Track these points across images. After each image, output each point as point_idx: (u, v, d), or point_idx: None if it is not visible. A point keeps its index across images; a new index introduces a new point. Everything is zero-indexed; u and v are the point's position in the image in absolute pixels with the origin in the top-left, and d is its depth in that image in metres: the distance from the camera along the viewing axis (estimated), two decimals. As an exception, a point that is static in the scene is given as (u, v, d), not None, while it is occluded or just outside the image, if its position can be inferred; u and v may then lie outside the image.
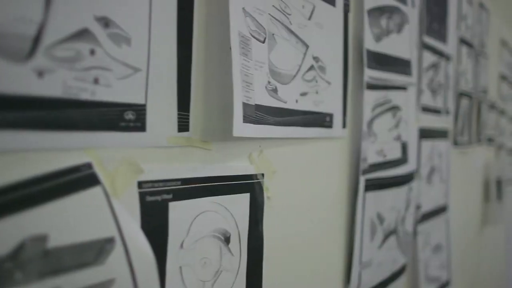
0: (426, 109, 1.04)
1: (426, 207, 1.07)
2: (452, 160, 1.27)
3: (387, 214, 0.81)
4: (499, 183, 1.67)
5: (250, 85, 0.49)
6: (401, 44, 0.85)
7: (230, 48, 0.45)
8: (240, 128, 0.46)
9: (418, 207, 1.02)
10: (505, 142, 1.97)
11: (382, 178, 0.79)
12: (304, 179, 0.63)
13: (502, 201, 1.68)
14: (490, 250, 1.94)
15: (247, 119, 0.48)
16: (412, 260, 1.01)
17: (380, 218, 0.80)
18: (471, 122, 1.41)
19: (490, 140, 1.70)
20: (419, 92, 0.99)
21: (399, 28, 0.84)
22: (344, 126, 0.70)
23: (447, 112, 1.19)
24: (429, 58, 1.04)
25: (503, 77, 1.89)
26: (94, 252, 0.34)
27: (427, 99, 1.04)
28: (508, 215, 2.18)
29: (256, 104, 0.50)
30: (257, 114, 0.51)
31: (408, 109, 0.90)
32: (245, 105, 0.47)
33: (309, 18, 0.61)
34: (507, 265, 2.21)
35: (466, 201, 1.51)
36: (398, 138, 0.84)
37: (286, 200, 0.60)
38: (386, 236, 0.82)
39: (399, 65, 0.84)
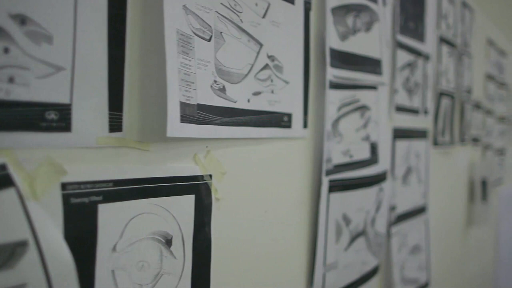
0: (401, 109, 1.03)
1: (402, 208, 1.06)
2: (432, 160, 1.26)
3: (354, 215, 0.80)
4: (484, 184, 1.66)
5: (191, 84, 0.48)
6: (371, 43, 0.84)
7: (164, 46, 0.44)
8: (176, 128, 0.45)
9: (392, 208, 1.01)
10: (493, 142, 1.96)
11: (348, 179, 0.78)
12: (261, 180, 0.62)
13: (487, 202, 1.67)
14: (478, 250, 1.93)
15: (186, 119, 0.47)
16: (385, 261, 1.00)
17: (346, 220, 0.78)
18: (453, 122, 1.40)
19: (475, 140, 1.69)
20: (393, 91, 0.98)
21: (368, 27, 0.83)
22: (305, 126, 0.69)
23: (426, 112, 1.18)
24: (404, 57, 1.03)
25: (489, 77, 1.88)
26: (3, 255, 0.33)
27: (402, 99, 1.03)
28: (498, 215, 2.17)
29: (198, 104, 0.49)
30: (200, 114, 0.49)
31: (379, 109, 0.88)
32: (184, 105, 0.46)
33: (264, 16, 0.60)
34: (496, 265, 2.19)
35: (449, 202, 1.50)
36: (366, 138, 0.83)
37: (240, 202, 0.58)
38: (354, 238, 0.81)
39: (368, 64, 0.83)
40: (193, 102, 0.48)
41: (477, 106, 1.69)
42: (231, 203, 0.57)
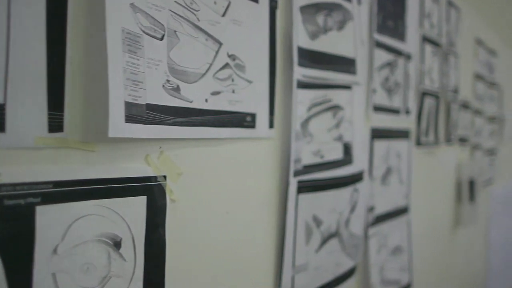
0: (379, 109, 1.02)
1: (381, 208, 1.05)
2: (415, 160, 1.25)
3: (326, 216, 0.79)
4: (472, 184, 1.65)
5: (139, 83, 0.47)
6: (344, 42, 0.83)
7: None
8: (120, 128, 0.44)
9: (370, 208, 1.00)
10: (482, 143, 1.95)
11: (318, 180, 0.77)
12: (223, 180, 0.61)
13: (475, 202, 1.66)
14: (468, 251, 1.92)
15: (133, 119, 0.46)
16: (363, 263, 0.99)
17: (317, 221, 0.78)
18: (438, 122, 1.39)
19: (463, 140, 1.67)
20: (371, 91, 0.97)
21: (341, 26, 0.82)
22: (271, 126, 0.68)
23: (408, 112, 1.17)
24: (383, 56, 1.02)
25: (478, 77, 1.86)
26: None
27: (380, 98, 1.02)
28: (489, 215, 2.16)
29: (148, 104, 0.48)
30: (150, 114, 0.49)
31: (354, 108, 0.87)
32: (129, 104, 0.46)
33: (223, 15, 0.59)
34: (487, 265, 2.18)
35: (436, 202, 1.49)
36: (339, 138, 0.82)
37: (199, 203, 0.58)
38: (326, 239, 0.80)
39: (341, 63, 0.82)
40: (142, 101, 0.47)
41: (465, 106, 1.68)
42: (189, 204, 0.56)
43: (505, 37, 2.45)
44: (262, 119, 0.66)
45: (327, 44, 0.79)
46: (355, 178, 0.88)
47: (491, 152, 2.09)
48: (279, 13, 0.69)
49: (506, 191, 2.38)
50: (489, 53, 2.04)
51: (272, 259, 0.71)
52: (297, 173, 0.73)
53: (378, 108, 1.01)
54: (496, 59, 2.14)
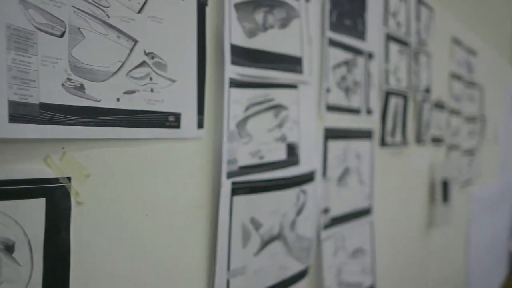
0: (335, 109, 1.00)
1: (338, 210, 1.04)
2: (379, 161, 1.23)
3: (266, 219, 0.78)
4: (445, 185, 1.63)
5: (30, 82, 0.45)
6: (288, 40, 0.81)
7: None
8: (3, 128, 0.42)
9: (325, 210, 0.99)
10: (460, 143, 1.93)
11: (257, 181, 0.75)
12: (141, 182, 0.59)
13: (449, 203, 1.64)
14: (445, 252, 1.90)
15: (21, 119, 0.44)
16: (315, 265, 0.97)
17: (256, 223, 0.76)
18: (406, 122, 1.37)
19: (437, 140, 1.66)
20: (324, 90, 0.96)
21: (284, 24, 0.80)
22: (200, 126, 0.66)
23: (369, 112, 1.15)
24: (338, 55, 1.00)
25: (455, 76, 1.85)
26: None
27: (336, 98, 1.00)
28: (468, 216, 2.14)
29: (41, 103, 0.46)
30: (46, 114, 0.47)
31: (301, 108, 0.86)
32: (15, 104, 0.44)
33: (139, 12, 0.57)
34: (468, 267, 2.16)
35: (407, 203, 1.47)
36: (282, 139, 0.81)
37: (112, 205, 0.56)
38: (267, 242, 0.79)
39: (284, 62, 0.80)
40: (33, 101, 0.46)
41: (440, 106, 1.66)
42: (101, 207, 0.54)
43: (486, 37, 2.43)
44: (188, 119, 0.64)
45: (268, 42, 0.77)
46: (302, 179, 0.86)
47: (470, 152, 2.07)
48: (209, 10, 0.67)
49: (486, 192, 2.36)
50: (469, 53, 2.02)
51: (205, 263, 0.70)
52: (231, 175, 0.71)
53: (333, 108, 0.99)
54: (476, 59, 2.12)
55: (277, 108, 0.80)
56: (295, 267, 0.88)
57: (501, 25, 3.11)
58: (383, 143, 1.25)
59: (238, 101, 0.72)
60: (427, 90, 1.53)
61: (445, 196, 1.63)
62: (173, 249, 0.64)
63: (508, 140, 2.90)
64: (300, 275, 0.90)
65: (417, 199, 1.56)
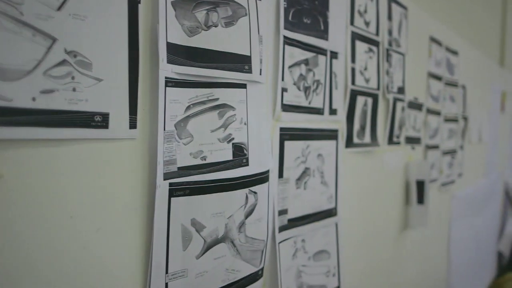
0: (293, 108, 0.99)
1: (297, 211, 1.02)
2: (349, 162, 1.22)
3: (209, 221, 0.76)
4: (421, 185, 1.62)
5: None
6: (234, 38, 0.80)
7: None
8: None
9: (282, 211, 0.97)
10: (439, 143, 1.91)
11: (198, 182, 0.74)
12: (65, 183, 0.58)
13: (425, 204, 1.62)
14: (424, 254, 1.89)
15: None
16: (271, 268, 0.96)
17: (197, 225, 0.74)
18: (376, 122, 1.35)
19: (413, 141, 1.64)
20: (279, 90, 0.94)
21: (230, 22, 0.79)
22: (132, 126, 0.65)
23: (333, 112, 1.13)
24: (296, 54, 0.99)
25: (434, 76, 1.83)
26: None
27: (294, 97, 0.99)
28: (450, 218, 2.13)
29: None
30: None
31: (251, 108, 0.84)
32: None
33: (59, 9, 0.56)
34: (449, 268, 2.15)
35: (379, 204, 1.46)
36: (228, 139, 0.79)
37: (31, 207, 0.54)
38: (211, 245, 0.77)
39: (231, 61, 0.79)
40: None
41: (416, 106, 1.65)
42: (15, 210, 0.53)
43: (470, 38, 2.42)
44: (118, 119, 0.63)
45: (211, 41, 0.75)
46: (252, 180, 0.85)
47: (450, 153, 2.05)
48: (144, 8, 0.66)
49: (470, 192, 2.34)
50: (450, 53, 2.01)
51: (141, 267, 0.68)
52: (170, 176, 0.70)
53: (290, 108, 0.98)
54: (458, 59, 2.10)
55: (222, 108, 0.78)
56: (246, 270, 0.86)
57: (486, 26, 3.10)
58: (350, 143, 1.23)
59: (177, 100, 0.71)
60: (401, 90, 1.52)
61: (421, 197, 1.61)
62: (103, 253, 0.63)
63: (493, 140, 2.88)
64: (253, 278, 0.89)
65: (391, 200, 1.54)
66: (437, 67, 1.87)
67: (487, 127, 2.70)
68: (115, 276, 0.65)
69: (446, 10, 2.09)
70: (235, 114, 0.81)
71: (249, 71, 0.83)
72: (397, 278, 1.63)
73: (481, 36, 2.92)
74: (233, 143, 0.80)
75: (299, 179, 1.02)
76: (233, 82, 0.80)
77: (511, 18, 3.53)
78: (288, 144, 0.98)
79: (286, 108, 0.97)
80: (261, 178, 0.88)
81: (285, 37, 0.95)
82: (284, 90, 0.96)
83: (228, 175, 0.79)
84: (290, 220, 1.00)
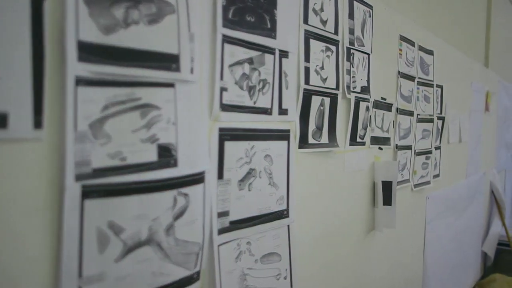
0: (234, 108, 0.97)
1: (241, 214, 1.00)
2: (303, 163, 1.20)
3: (130, 223, 0.74)
4: (388, 186, 1.59)
5: None
6: (159, 37, 0.78)
7: None
8: None
9: (222, 213, 0.95)
10: (412, 143, 1.89)
11: (115, 184, 0.72)
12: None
13: (391, 205, 1.60)
14: (397, 256, 1.86)
15: None
16: (209, 271, 0.94)
17: (115, 228, 0.72)
18: (335, 122, 1.33)
19: (380, 141, 1.62)
20: (217, 89, 0.92)
21: (154, 19, 0.77)
22: (38, 126, 0.63)
23: (283, 112, 1.11)
24: (238, 53, 0.97)
25: (406, 76, 1.81)
26: None
27: (235, 97, 0.97)
28: (425, 220, 2.11)
29: None
30: None
31: (180, 108, 0.82)
32: None
33: None
34: (424, 271, 2.12)
35: (341, 206, 1.43)
36: (151, 139, 0.77)
37: None
38: (132, 248, 0.75)
39: (154, 60, 0.77)
40: None
41: (385, 106, 1.63)
42: None
43: (449, 38, 2.40)
44: (20, 118, 0.61)
45: (131, 39, 0.73)
46: (181, 182, 0.83)
47: (424, 153, 2.03)
48: (51, 6, 0.64)
49: (451, 193, 2.32)
50: (424, 53, 1.98)
51: (50, 271, 0.66)
52: (82, 177, 0.68)
53: (232, 108, 0.96)
54: (434, 58, 2.08)
55: (145, 107, 0.76)
56: (178, 273, 0.84)
57: (471, 27, 3.07)
58: (305, 144, 1.21)
59: (92, 100, 0.69)
60: (365, 90, 1.49)
61: (388, 199, 1.59)
62: (5, 258, 0.61)
63: (476, 141, 2.86)
64: (187, 281, 0.87)
65: (356, 201, 1.52)
66: (409, 67, 1.84)
67: (468, 128, 2.67)
68: (23, 281, 0.63)
69: (423, 11, 2.07)
70: (160, 114, 0.79)
71: (177, 69, 0.81)
72: (365, 280, 1.61)
73: (465, 37, 2.90)
74: (158, 144, 0.79)
75: (242, 180, 1.00)
76: (159, 82, 0.78)
77: (495, 19, 3.51)
78: (229, 144, 0.96)
79: (227, 108, 0.95)
80: (194, 179, 0.86)
81: (224, 35, 0.93)
82: (223, 89, 0.94)
83: (152, 177, 0.78)
84: (232, 222, 0.98)
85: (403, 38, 1.78)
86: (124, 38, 0.73)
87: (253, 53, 1.01)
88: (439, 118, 2.18)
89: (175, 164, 0.82)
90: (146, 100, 0.77)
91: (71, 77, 0.66)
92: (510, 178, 3.96)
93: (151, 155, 0.78)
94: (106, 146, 0.71)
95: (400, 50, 1.77)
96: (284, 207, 1.14)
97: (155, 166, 0.78)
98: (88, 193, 0.69)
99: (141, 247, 0.77)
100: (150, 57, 0.76)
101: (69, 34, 0.65)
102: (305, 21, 1.19)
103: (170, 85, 0.81)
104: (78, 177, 0.68)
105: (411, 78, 1.87)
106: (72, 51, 0.66)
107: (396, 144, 1.76)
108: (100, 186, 0.70)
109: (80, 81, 0.67)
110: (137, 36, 0.75)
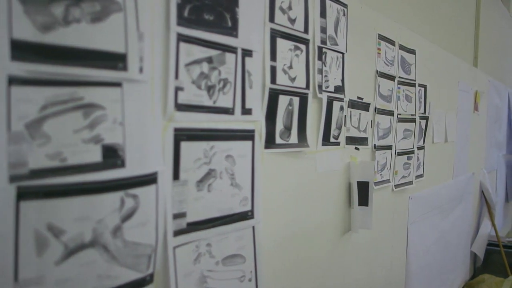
0: (192, 108, 0.95)
1: (199, 215, 0.99)
2: (269, 163, 1.18)
3: (71, 225, 0.73)
4: (364, 186, 1.58)
5: None
6: (104, 35, 0.76)
7: None
8: None
9: (179, 215, 0.94)
10: (392, 143, 1.87)
11: (54, 185, 0.70)
12: None
13: (368, 206, 1.58)
14: (380, 258, 1.85)
15: None
16: (163, 273, 0.92)
17: (55, 230, 0.71)
18: (305, 122, 1.32)
19: (357, 141, 1.60)
20: (171, 89, 0.91)
21: (98, 18, 0.76)
22: (-35, 127, 0.62)
23: (246, 112, 1.10)
24: (195, 52, 0.95)
25: (384, 75, 1.79)
26: None
27: (193, 97, 0.95)
28: (407, 221, 2.09)
29: None
30: None
31: (128, 107, 0.81)
32: None
33: None
34: (407, 273, 2.11)
35: (314, 207, 1.42)
36: (95, 140, 0.76)
37: None
38: (74, 250, 0.74)
39: (97, 59, 0.75)
40: None
41: (362, 105, 1.61)
42: None
43: (432, 38, 2.38)
44: None
45: (72, 37, 0.72)
46: (130, 183, 0.81)
47: (406, 153, 2.01)
48: (-19, 3, 0.63)
49: (428, 193, 2.30)
50: (406, 52, 1.97)
51: (-16, 273, 0.65)
52: (17, 178, 0.66)
53: (189, 107, 0.94)
54: (416, 57, 2.06)
55: (88, 107, 0.75)
56: (127, 276, 0.83)
57: (460, 27, 3.05)
58: (272, 144, 1.20)
59: (28, 99, 0.68)
60: (339, 89, 1.48)
61: (364, 199, 1.58)
62: None
63: (463, 141, 2.84)
64: (138, 284, 0.85)
65: (330, 202, 1.50)
66: (389, 66, 1.83)
67: (455, 128, 2.65)
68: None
69: (406, 11, 2.06)
70: (105, 114, 0.77)
71: (124, 69, 0.80)
72: (341, 280, 1.59)
73: (453, 36, 2.88)
74: (102, 144, 0.77)
75: (201, 181, 0.99)
76: (104, 81, 0.77)
77: (485, 18, 3.49)
78: (185, 145, 0.95)
79: (182, 107, 0.93)
80: (144, 180, 0.85)
81: (179, 34, 0.92)
82: (179, 88, 0.92)
83: (96, 178, 0.76)
84: (190, 224, 0.97)
85: (381, 37, 1.76)
86: (64, 37, 0.71)
87: (213, 52, 1.00)
88: (422, 118, 2.16)
89: (122, 165, 0.80)
90: (90, 99, 0.75)
91: (3, 76, 0.65)
92: (501, 178, 3.94)
93: (95, 155, 0.76)
94: (44, 146, 0.70)
95: (379, 49, 1.76)
96: (248, 208, 1.12)
97: (99, 167, 0.77)
98: (24, 194, 0.67)
99: (84, 249, 0.75)
100: (93, 56, 0.75)
101: (14, 33, 0.64)
102: (271, 19, 1.18)
103: (117, 84, 0.79)
104: (13, 178, 0.66)
105: (390, 77, 1.85)
106: (3, 50, 0.64)
107: (375, 144, 1.75)
108: (38, 187, 0.69)
109: (14, 81, 0.66)
110: (79, 35, 0.73)
